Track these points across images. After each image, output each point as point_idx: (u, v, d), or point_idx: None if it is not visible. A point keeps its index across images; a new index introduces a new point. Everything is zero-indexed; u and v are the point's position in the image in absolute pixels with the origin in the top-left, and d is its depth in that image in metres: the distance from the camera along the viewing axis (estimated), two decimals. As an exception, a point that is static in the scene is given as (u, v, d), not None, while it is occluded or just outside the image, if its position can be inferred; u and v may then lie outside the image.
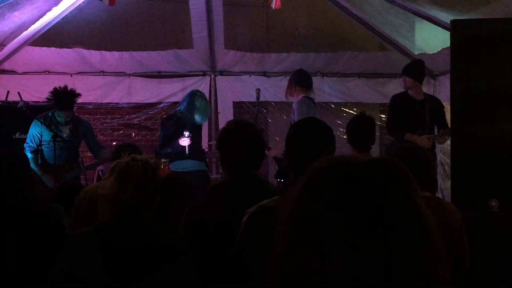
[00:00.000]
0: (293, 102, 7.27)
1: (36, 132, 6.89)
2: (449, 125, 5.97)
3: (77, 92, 6.88)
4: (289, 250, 1.13)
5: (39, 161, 6.89)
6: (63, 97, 6.74)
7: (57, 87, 6.78)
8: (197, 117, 7.07)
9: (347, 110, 9.81)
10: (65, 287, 2.77)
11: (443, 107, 7.56)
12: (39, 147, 6.87)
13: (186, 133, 6.92)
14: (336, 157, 1.19)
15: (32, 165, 6.85)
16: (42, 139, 6.87)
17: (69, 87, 6.87)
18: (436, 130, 7.25)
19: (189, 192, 3.93)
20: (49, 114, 6.92)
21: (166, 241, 2.89)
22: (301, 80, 7.19)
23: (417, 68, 7.34)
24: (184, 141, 6.93)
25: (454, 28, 4.83)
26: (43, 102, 8.16)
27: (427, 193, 3.51)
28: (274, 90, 9.28)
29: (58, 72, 9.13)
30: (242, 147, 3.17)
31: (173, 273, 2.81)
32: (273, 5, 7.17)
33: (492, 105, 4.75)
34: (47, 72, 9.17)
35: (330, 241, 1.06)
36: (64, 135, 6.85)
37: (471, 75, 4.75)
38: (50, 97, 6.76)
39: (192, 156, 7.02)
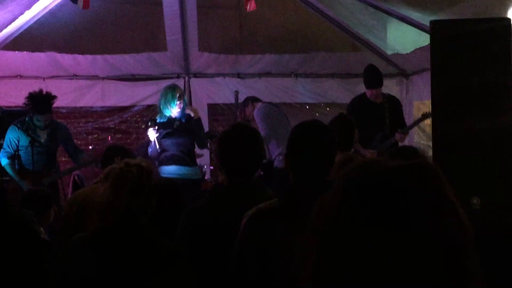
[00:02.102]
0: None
1: (13, 137, 6.82)
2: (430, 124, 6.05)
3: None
4: (323, 263, 1.13)
5: (16, 167, 6.82)
6: (41, 101, 6.68)
7: (32, 92, 6.72)
8: (166, 110, 6.69)
9: (321, 110, 9.86)
10: None
11: (401, 106, 7.70)
12: (16, 153, 6.80)
13: (150, 122, 6.60)
14: (368, 163, 1.18)
15: (9, 171, 6.79)
16: (19, 144, 6.80)
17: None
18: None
19: (178, 198, 3.87)
20: (26, 119, 6.86)
21: (163, 246, 2.87)
22: (250, 100, 7.53)
23: (369, 77, 7.43)
24: (150, 134, 6.56)
25: (434, 28, 4.88)
26: (15, 107, 8.08)
27: None
28: (249, 91, 9.27)
29: (31, 76, 9.00)
30: (240, 151, 3.16)
31: (171, 278, 2.80)
32: (248, 7, 7.18)
33: (472, 104, 4.80)
34: (19, 77, 9.05)
35: (370, 252, 1.06)
36: (42, 140, 6.79)
37: (451, 74, 4.80)
38: (26, 103, 6.69)
39: (178, 160, 6.67)
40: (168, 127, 6.67)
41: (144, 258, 2.79)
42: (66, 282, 2.79)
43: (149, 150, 6.70)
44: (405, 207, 1.07)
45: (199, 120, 6.88)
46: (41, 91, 6.75)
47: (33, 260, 3.32)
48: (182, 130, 6.70)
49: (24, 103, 6.74)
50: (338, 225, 1.12)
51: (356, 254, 1.07)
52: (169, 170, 6.61)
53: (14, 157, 6.81)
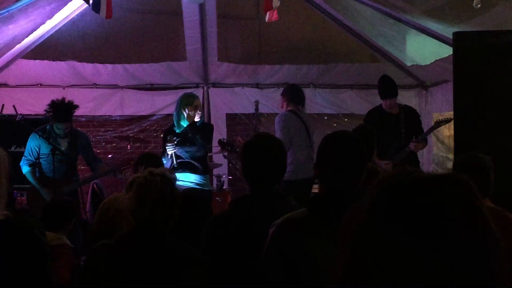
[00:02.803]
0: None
1: (34, 145, 6.85)
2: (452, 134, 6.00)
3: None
4: (353, 272, 1.13)
5: (37, 174, 6.85)
6: (62, 109, 6.72)
7: (54, 100, 6.76)
8: (181, 117, 6.57)
9: (339, 121, 9.86)
10: None
11: (418, 116, 7.65)
12: (37, 161, 6.83)
13: (168, 137, 6.48)
14: (400, 173, 1.17)
15: (30, 179, 6.82)
16: (40, 152, 6.83)
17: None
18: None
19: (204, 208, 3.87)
20: (47, 127, 6.89)
21: (183, 255, 2.87)
22: (290, 94, 7.30)
23: (383, 87, 7.41)
24: (168, 149, 6.48)
25: (457, 39, 4.87)
26: (35, 115, 8.15)
27: (490, 203, 3.58)
28: (267, 101, 9.31)
29: (51, 85, 9.12)
30: (264, 161, 3.16)
31: (193, 286, 2.80)
32: (266, 18, 7.18)
33: (494, 116, 4.78)
34: (39, 85, 9.16)
35: (402, 261, 1.06)
36: (63, 148, 6.82)
37: (474, 86, 4.80)
38: (48, 110, 6.73)
39: (190, 168, 6.60)
40: (181, 135, 6.58)
41: (164, 267, 2.79)
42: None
43: (164, 161, 6.56)
44: (439, 217, 1.07)
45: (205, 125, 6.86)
46: (63, 99, 6.78)
47: (33, 267, 3.31)
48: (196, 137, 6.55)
49: (45, 110, 6.78)
50: (369, 234, 1.12)
51: (387, 263, 1.07)
52: (181, 177, 6.55)
53: (35, 165, 6.84)
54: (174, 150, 6.48)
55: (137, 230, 2.88)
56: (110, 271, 2.78)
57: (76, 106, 6.85)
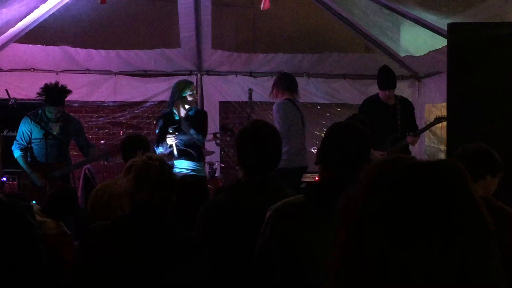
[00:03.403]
0: (278, 103, 7.36)
1: (26, 130, 6.84)
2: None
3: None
4: (352, 254, 1.14)
5: (29, 159, 6.85)
6: (55, 92, 6.71)
7: (48, 83, 6.76)
8: (181, 108, 6.52)
9: (332, 110, 9.87)
10: (83, 279, 2.78)
11: (413, 108, 7.68)
12: (29, 145, 6.82)
13: (170, 129, 6.41)
14: (399, 159, 1.20)
15: (22, 163, 6.82)
16: (32, 136, 6.82)
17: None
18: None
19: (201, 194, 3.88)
20: (39, 111, 6.88)
21: (183, 238, 2.89)
22: (284, 83, 7.26)
23: (383, 78, 7.42)
24: (169, 139, 6.43)
25: (451, 31, 4.88)
26: (28, 99, 8.12)
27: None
28: (261, 90, 9.29)
29: (44, 70, 9.08)
30: (259, 148, 3.17)
31: (191, 269, 2.81)
32: (262, 6, 7.17)
33: (487, 108, 4.80)
34: (32, 70, 9.12)
35: (399, 243, 1.08)
36: (55, 133, 6.81)
37: (467, 78, 4.81)
38: (40, 93, 6.72)
39: (185, 155, 6.52)
40: (177, 123, 6.52)
41: (164, 248, 2.81)
42: (86, 268, 2.80)
43: (161, 149, 6.51)
44: (433, 202, 1.09)
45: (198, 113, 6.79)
46: (56, 83, 6.80)
47: (26, 251, 3.32)
48: (191, 125, 6.51)
49: (38, 93, 6.76)
50: (365, 218, 1.14)
51: (383, 244, 1.09)
52: (176, 164, 6.52)
53: (26, 150, 6.83)
54: (175, 141, 6.45)
55: (136, 211, 2.90)
56: (109, 251, 2.79)
57: (69, 91, 6.85)
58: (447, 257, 1.06)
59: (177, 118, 6.54)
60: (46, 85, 6.76)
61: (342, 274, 1.15)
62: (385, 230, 1.09)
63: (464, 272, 1.07)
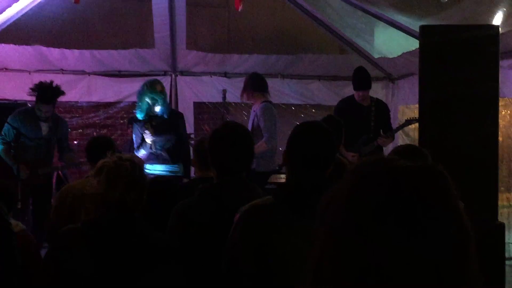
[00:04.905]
0: (252, 104, 7.35)
1: (9, 128, 6.79)
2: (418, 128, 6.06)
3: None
4: (332, 256, 1.14)
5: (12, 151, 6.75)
6: (48, 91, 6.70)
7: (42, 81, 6.79)
8: (143, 104, 6.52)
9: (307, 112, 9.90)
10: (54, 284, 2.75)
11: (388, 110, 7.73)
12: (13, 144, 6.67)
13: (146, 131, 6.42)
14: (380, 160, 1.20)
15: (4, 156, 6.77)
16: (19, 134, 6.71)
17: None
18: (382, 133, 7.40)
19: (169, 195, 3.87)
20: (29, 109, 6.91)
21: (156, 239, 2.89)
22: (257, 84, 7.23)
23: (358, 79, 7.44)
24: (147, 137, 6.45)
25: (423, 33, 4.92)
26: (1, 99, 8.04)
27: None
28: (235, 91, 9.24)
29: (17, 70, 8.96)
30: (231, 149, 3.18)
31: (164, 272, 2.81)
32: (238, 7, 7.15)
33: (459, 110, 4.85)
34: (4, 69, 9.00)
35: (378, 246, 1.08)
36: (43, 133, 6.79)
37: (439, 80, 4.85)
38: (33, 89, 6.72)
39: (160, 158, 6.58)
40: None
41: (138, 250, 2.81)
42: (58, 272, 2.78)
43: (144, 152, 6.53)
44: (414, 205, 1.09)
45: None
46: (51, 82, 6.81)
47: (3, 249, 3.29)
48: (164, 127, 6.54)
49: (31, 88, 6.74)
50: (347, 219, 1.13)
51: (366, 252, 1.09)
52: (152, 168, 6.54)
53: (9, 144, 6.76)
54: (153, 138, 6.45)
55: (107, 214, 2.89)
56: (82, 257, 2.77)
57: (62, 92, 6.87)
58: (427, 259, 1.07)
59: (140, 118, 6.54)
60: (40, 82, 6.79)
61: (321, 275, 1.16)
62: (368, 231, 1.10)
63: (441, 274, 1.08)
